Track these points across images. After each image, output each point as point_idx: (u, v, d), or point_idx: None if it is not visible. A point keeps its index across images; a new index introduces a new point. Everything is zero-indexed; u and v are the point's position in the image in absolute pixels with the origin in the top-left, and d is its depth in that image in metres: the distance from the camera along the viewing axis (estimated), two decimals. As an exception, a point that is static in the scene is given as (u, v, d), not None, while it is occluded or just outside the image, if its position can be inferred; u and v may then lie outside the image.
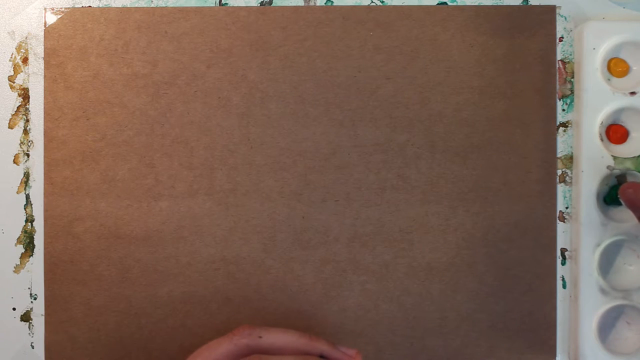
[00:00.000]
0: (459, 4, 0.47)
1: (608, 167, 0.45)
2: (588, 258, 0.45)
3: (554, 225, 0.47)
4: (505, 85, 0.47)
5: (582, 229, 0.45)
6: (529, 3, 0.47)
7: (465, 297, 0.47)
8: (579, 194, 0.45)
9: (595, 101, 0.45)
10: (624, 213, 0.45)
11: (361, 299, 0.47)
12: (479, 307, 0.47)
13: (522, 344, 0.47)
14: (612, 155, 0.45)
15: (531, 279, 0.47)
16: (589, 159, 0.45)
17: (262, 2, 0.48)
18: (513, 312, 0.47)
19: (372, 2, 0.47)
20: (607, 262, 0.46)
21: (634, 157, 0.45)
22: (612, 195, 0.46)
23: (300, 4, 0.47)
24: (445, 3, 0.47)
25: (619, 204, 0.46)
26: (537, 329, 0.47)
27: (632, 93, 0.45)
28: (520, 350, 0.47)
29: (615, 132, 0.46)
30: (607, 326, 0.45)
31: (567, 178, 0.47)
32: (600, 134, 0.46)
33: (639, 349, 0.45)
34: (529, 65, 0.47)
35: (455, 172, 0.47)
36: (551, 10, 0.47)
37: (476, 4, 0.47)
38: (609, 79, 0.46)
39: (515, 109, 0.47)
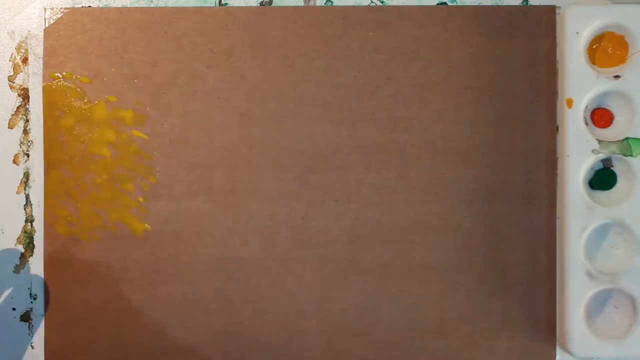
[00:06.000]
0: (459, 4, 0.47)
1: (593, 150, 0.45)
2: (575, 242, 0.45)
3: (554, 225, 0.47)
4: (505, 85, 0.47)
5: (568, 214, 0.45)
6: (529, 3, 0.47)
7: (465, 297, 0.47)
8: (565, 178, 0.45)
9: (580, 85, 0.45)
10: (611, 197, 0.46)
11: (361, 299, 0.47)
12: (479, 307, 0.47)
13: (522, 344, 0.47)
14: (597, 139, 0.45)
15: (531, 279, 0.47)
16: (574, 143, 0.45)
17: (262, 2, 0.48)
18: (513, 312, 0.47)
19: (372, 2, 0.47)
20: (594, 246, 0.46)
21: (619, 140, 0.45)
22: (597, 179, 0.46)
23: (300, 4, 0.47)
24: (445, 3, 0.47)
25: (605, 187, 0.46)
26: (537, 329, 0.47)
27: (616, 77, 0.45)
28: (520, 350, 0.47)
29: (600, 116, 0.46)
30: (595, 310, 0.45)
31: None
32: (585, 118, 0.46)
33: (627, 333, 0.45)
34: (529, 65, 0.47)
35: (455, 172, 0.47)
36: (551, 10, 0.47)
37: (476, 4, 0.47)
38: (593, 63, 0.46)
39: (515, 109, 0.47)
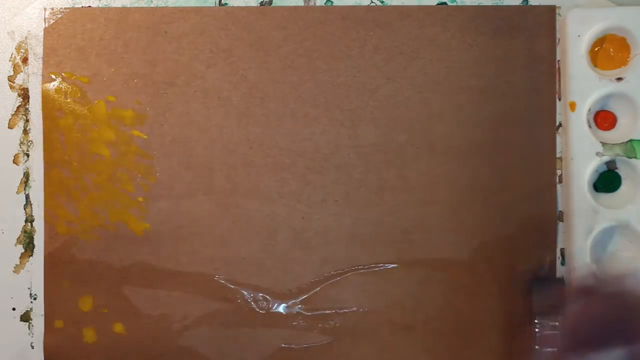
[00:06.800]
0: (459, 4, 0.47)
1: (597, 153, 0.45)
2: (580, 245, 0.45)
3: (554, 225, 0.47)
4: (505, 85, 0.47)
5: (574, 217, 0.45)
6: (529, 3, 0.47)
7: (465, 297, 0.47)
8: (569, 181, 0.45)
9: (583, 88, 0.45)
10: (615, 199, 0.46)
11: (361, 299, 0.47)
12: (479, 307, 0.47)
13: (522, 345, 0.47)
14: (601, 142, 0.45)
15: (531, 279, 0.47)
16: (578, 146, 0.45)
17: (262, 2, 0.48)
18: (513, 313, 0.47)
19: (372, 2, 0.47)
20: (600, 249, 0.46)
21: (622, 142, 0.45)
22: (602, 181, 0.46)
23: (300, 4, 0.47)
24: (445, 3, 0.47)
25: (610, 190, 0.46)
26: (537, 329, 0.47)
27: (619, 79, 0.45)
28: (521, 350, 0.47)
29: (603, 119, 0.46)
30: None
31: (567, 178, 0.47)
32: (589, 121, 0.46)
33: None
34: (529, 65, 0.47)
35: (455, 172, 0.47)
36: (551, 10, 0.47)
37: (476, 4, 0.47)
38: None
39: (515, 109, 0.47)
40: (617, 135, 0.46)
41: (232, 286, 0.47)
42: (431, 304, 0.47)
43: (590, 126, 0.45)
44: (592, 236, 0.45)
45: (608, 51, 0.46)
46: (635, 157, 0.45)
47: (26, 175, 0.48)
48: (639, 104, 0.45)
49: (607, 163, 0.46)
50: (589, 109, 0.45)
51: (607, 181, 0.46)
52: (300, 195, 0.47)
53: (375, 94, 0.47)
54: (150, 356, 0.47)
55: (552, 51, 0.47)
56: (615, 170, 0.46)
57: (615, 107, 0.46)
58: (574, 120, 0.45)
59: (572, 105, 0.45)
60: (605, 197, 0.46)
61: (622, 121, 0.46)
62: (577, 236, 0.45)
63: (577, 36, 0.45)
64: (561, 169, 0.47)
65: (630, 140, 0.45)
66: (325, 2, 0.47)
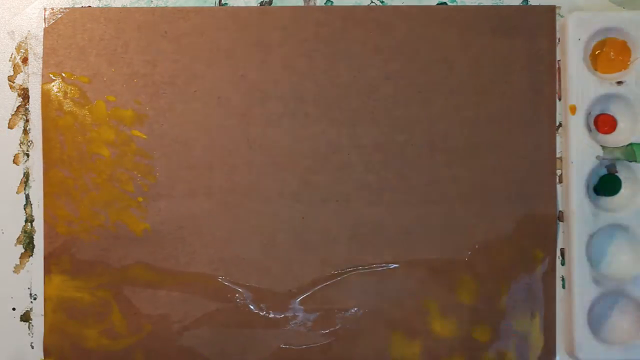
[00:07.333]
0: (459, 4, 0.47)
1: (597, 157, 0.45)
2: (580, 248, 0.45)
3: (554, 225, 0.47)
4: (505, 85, 0.47)
5: (573, 219, 0.45)
6: (529, 3, 0.47)
7: (465, 297, 0.47)
8: (569, 185, 0.45)
9: (583, 91, 0.45)
10: (615, 202, 0.46)
11: (361, 299, 0.47)
12: (479, 307, 0.47)
13: (522, 346, 0.47)
14: (601, 145, 0.45)
15: (531, 280, 0.47)
16: (578, 149, 0.45)
17: (262, 2, 0.48)
18: (513, 313, 0.47)
19: (372, 2, 0.47)
20: (599, 252, 0.46)
21: (622, 146, 0.45)
22: (602, 185, 0.46)
23: (300, 4, 0.47)
24: (445, 3, 0.47)
25: (610, 193, 0.46)
26: (537, 331, 0.47)
27: (619, 82, 0.45)
28: (521, 352, 0.47)
29: (603, 122, 0.46)
30: (601, 316, 0.45)
31: (567, 178, 0.47)
32: (589, 124, 0.46)
33: (634, 338, 0.45)
34: (529, 65, 0.47)
35: (455, 172, 0.47)
36: (551, 10, 0.47)
37: (476, 4, 0.47)
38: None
39: (515, 109, 0.47)
40: (617, 138, 0.46)
41: (232, 286, 0.47)
42: (431, 304, 0.47)
43: (590, 129, 0.46)
44: (591, 240, 0.45)
45: (608, 55, 0.46)
46: (635, 161, 0.45)
47: (26, 175, 0.48)
48: (639, 108, 0.45)
49: (607, 166, 0.46)
50: (589, 113, 0.45)
51: (607, 184, 0.46)
52: (300, 195, 0.47)
53: (375, 94, 0.47)
54: (150, 356, 0.47)
55: (552, 51, 0.47)
56: (615, 174, 0.46)
57: (615, 111, 0.46)
58: (574, 124, 0.45)
59: (572, 109, 0.45)
60: (605, 200, 0.46)
61: (622, 125, 0.46)
62: (576, 240, 0.45)
63: (577, 39, 0.45)
64: (561, 169, 0.47)
65: (631, 144, 0.45)
66: (325, 2, 0.47)
